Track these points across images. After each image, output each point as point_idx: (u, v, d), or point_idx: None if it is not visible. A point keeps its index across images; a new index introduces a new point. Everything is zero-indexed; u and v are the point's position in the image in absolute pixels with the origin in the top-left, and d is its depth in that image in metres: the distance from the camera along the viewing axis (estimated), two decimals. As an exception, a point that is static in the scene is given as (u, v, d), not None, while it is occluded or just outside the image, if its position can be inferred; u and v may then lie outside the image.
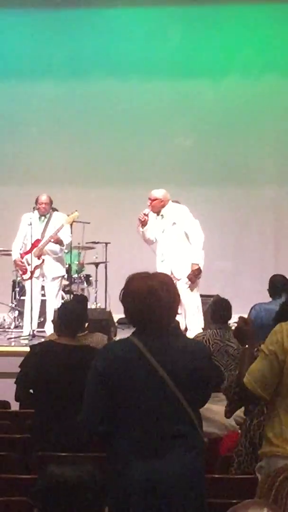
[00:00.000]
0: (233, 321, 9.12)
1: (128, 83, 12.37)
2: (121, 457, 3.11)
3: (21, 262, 9.06)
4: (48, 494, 2.12)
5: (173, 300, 3.37)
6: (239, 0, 11.99)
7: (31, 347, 4.91)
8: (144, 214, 8.71)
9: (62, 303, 5.28)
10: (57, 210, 9.44)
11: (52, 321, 7.88)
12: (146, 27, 12.22)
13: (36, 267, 9.02)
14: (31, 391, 4.71)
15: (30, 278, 9.02)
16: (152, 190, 8.84)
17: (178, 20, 12.26)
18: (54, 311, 7.16)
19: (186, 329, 8.81)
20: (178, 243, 8.74)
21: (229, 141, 12.17)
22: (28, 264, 9.02)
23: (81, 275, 10.59)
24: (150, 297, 3.22)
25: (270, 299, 7.25)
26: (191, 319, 8.52)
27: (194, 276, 8.71)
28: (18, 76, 12.34)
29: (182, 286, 8.39)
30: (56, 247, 9.11)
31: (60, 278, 9.33)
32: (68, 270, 9.98)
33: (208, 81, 12.25)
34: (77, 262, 10.46)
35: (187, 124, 12.36)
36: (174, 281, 3.72)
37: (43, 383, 4.57)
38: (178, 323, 3.51)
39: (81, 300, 6.62)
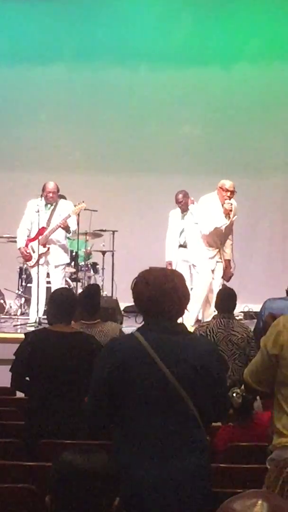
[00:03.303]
0: (238, 311, 9.19)
1: (137, 70, 12.36)
2: (125, 456, 3.08)
3: (26, 250, 9.05)
4: (59, 481, 2.11)
5: (187, 295, 3.35)
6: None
7: (25, 334, 4.86)
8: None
9: (55, 291, 5.23)
10: (64, 198, 9.41)
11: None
12: (157, 14, 12.19)
13: (41, 254, 9.01)
14: (27, 378, 4.70)
15: (35, 265, 9.02)
16: (226, 180, 8.82)
17: (189, 7, 12.22)
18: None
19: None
20: None
21: (239, 130, 12.15)
22: (33, 252, 9.02)
23: (88, 263, 10.59)
24: (167, 283, 3.21)
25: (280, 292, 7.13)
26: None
27: None
28: (28, 62, 12.32)
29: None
30: (60, 236, 9.10)
31: (64, 266, 9.32)
32: (75, 258, 9.98)
33: (218, 69, 12.22)
34: (84, 250, 10.46)
35: (196, 112, 12.34)
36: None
37: (37, 371, 4.56)
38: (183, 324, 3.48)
39: (93, 288, 6.58)
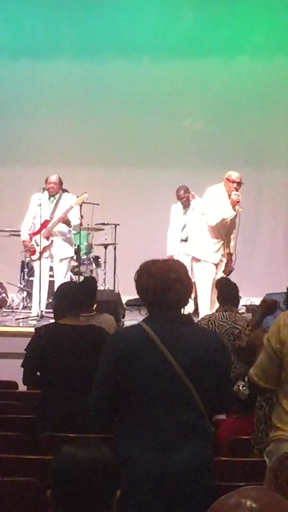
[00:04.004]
0: (240, 304, 9.18)
1: (139, 63, 12.34)
2: (127, 446, 3.09)
3: (30, 243, 9.05)
4: (59, 475, 2.11)
5: (190, 284, 3.36)
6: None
7: (36, 329, 4.83)
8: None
9: (63, 284, 5.21)
10: (67, 191, 9.41)
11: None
12: (158, 7, 12.16)
13: (45, 248, 9.01)
14: (38, 373, 4.68)
15: (39, 259, 9.02)
16: (233, 171, 8.71)
17: (190, 0, 12.19)
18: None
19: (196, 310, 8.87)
20: None
21: (240, 123, 12.13)
22: (37, 245, 9.01)
23: (90, 257, 10.58)
24: (171, 273, 3.22)
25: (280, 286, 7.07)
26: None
27: None
28: (29, 55, 12.31)
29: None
30: (65, 228, 9.10)
31: (68, 259, 9.31)
32: (77, 251, 9.98)
33: (219, 62, 12.20)
34: (86, 243, 10.46)
35: (198, 106, 12.32)
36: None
37: (50, 365, 4.53)
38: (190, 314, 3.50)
39: (90, 281, 6.60)
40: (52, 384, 4.54)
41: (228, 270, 8.86)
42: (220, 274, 8.73)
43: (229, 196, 8.57)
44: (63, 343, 4.54)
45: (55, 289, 5.10)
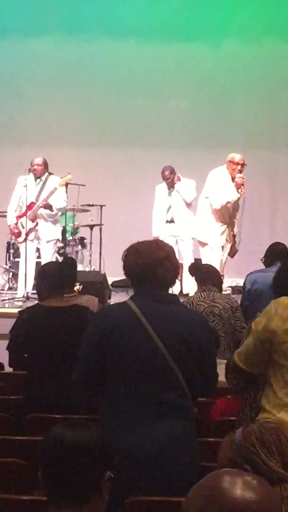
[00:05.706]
0: (226, 286, 9.20)
1: (126, 44, 12.27)
2: (109, 422, 3.10)
3: (16, 228, 9.03)
4: (48, 456, 2.12)
5: (178, 264, 3.37)
6: None
7: (19, 312, 4.79)
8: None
9: (44, 265, 5.18)
10: (53, 174, 9.38)
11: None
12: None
13: (30, 230, 8.99)
14: (25, 355, 4.67)
15: (25, 241, 9.00)
16: (235, 153, 8.69)
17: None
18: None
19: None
20: None
21: (226, 104, 12.11)
22: (23, 228, 8.99)
23: (76, 238, 10.57)
24: (160, 251, 3.24)
25: (263, 267, 7.07)
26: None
27: None
28: (15, 36, 12.21)
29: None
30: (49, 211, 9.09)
31: (55, 241, 9.31)
32: (63, 233, 9.96)
33: (206, 44, 12.17)
34: (71, 224, 10.43)
35: (184, 87, 12.29)
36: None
37: (36, 348, 4.52)
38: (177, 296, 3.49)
39: (70, 262, 6.51)
40: (37, 366, 4.53)
41: (232, 252, 8.90)
42: (226, 256, 8.76)
43: (233, 178, 8.53)
44: (46, 325, 4.51)
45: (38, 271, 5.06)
